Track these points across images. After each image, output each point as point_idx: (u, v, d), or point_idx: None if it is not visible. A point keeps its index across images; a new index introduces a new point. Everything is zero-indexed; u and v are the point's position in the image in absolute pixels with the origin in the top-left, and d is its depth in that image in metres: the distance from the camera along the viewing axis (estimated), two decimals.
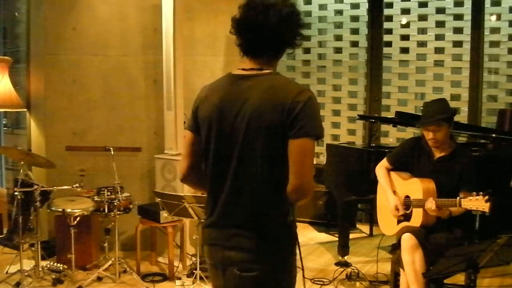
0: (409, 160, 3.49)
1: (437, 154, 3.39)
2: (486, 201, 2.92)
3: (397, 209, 3.40)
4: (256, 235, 1.80)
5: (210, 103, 1.87)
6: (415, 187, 3.33)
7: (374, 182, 3.72)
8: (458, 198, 3.07)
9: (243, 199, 1.81)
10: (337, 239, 4.61)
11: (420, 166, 3.42)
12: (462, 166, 3.30)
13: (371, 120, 4.87)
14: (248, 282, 1.81)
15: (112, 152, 4.16)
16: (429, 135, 3.33)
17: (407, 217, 3.40)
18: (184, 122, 4.73)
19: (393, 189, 3.54)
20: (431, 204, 3.14)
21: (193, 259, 4.38)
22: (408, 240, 3.18)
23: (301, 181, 1.75)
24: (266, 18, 1.78)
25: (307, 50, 6.26)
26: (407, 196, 3.42)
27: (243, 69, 1.87)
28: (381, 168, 3.61)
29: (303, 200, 1.79)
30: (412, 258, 3.15)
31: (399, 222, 3.45)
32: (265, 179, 1.79)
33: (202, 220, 3.69)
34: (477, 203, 2.95)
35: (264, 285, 1.82)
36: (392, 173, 3.58)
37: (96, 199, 4.18)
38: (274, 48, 1.87)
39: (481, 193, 2.95)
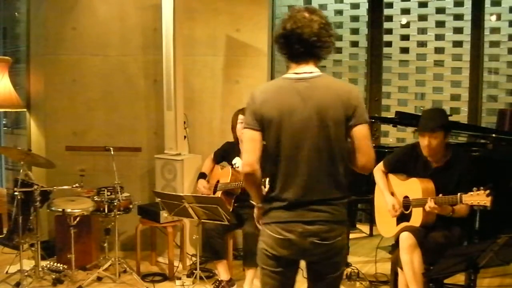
0: (405, 166, 3.50)
1: (434, 164, 3.39)
2: (487, 195, 2.92)
3: (395, 209, 3.39)
4: (329, 210, 2.20)
5: (275, 103, 2.18)
6: (414, 187, 3.33)
7: (374, 182, 3.72)
8: (459, 194, 3.06)
9: (318, 182, 2.19)
10: None
11: (416, 173, 3.42)
12: (460, 173, 3.29)
13: (371, 120, 4.86)
14: (325, 249, 2.22)
15: (112, 152, 4.16)
16: (424, 142, 3.31)
17: (406, 217, 3.39)
18: (184, 122, 4.74)
19: (391, 190, 3.54)
20: (430, 202, 3.14)
21: (193, 259, 4.38)
22: (406, 239, 3.18)
23: (368, 158, 2.24)
24: (312, 30, 2.15)
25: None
26: (406, 197, 3.42)
27: (296, 73, 2.21)
28: (378, 171, 3.61)
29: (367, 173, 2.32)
30: (410, 257, 3.15)
31: (398, 223, 3.45)
32: (333, 163, 2.20)
33: (203, 220, 3.73)
34: (478, 197, 2.96)
35: (336, 250, 2.25)
36: (390, 175, 3.58)
37: (96, 199, 4.18)
38: (318, 54, 2.23)
39: (481, 188, 2.96)
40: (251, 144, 2.22)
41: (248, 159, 2.22)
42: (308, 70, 2.21)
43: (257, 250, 2.35)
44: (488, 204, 2.93)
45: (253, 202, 2.43)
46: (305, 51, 2.19)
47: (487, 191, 2.93)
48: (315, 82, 2.20)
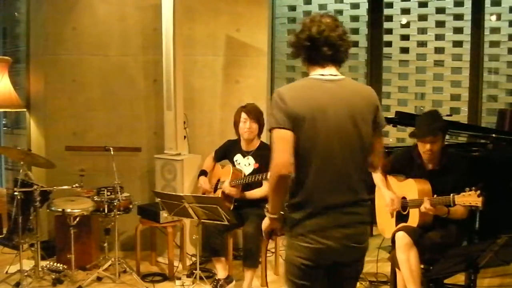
0: (402, 169, 3.51)
1: (430, 167, 3.40)
2: (478, 195, 2.95)
3: (393, 203, 3.40)
4: (361, 212, 2.22)
5: (306, 102, 2.15)
6: (411, 187, 3.34)
7: (374, 182, 3.72)
8: (451, 194, 3.08)
9: (354, 183, 2.20)
10: None
11: (413, 175, 3.42)
12: (455, 177, 3.29)
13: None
14: (358, 251, 2.23)
15: (112, 152, 4.16)
16: (425, 147, 3.31)
17: (404, 218, 3.40)
18: (184, 122, 4.73)
19: (390, 190, 3.54)
20: (426, 203, 3.15)
21: (193, 259, 4.38)
22: (402, 238, 3.19)
23: (381, 158, 2.37)
24: (338, 34, 2.20)
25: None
26: (404, 198, 3.42)
27: (322, 75, 2.22)
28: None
29: None
30: (407, 256, 3.16)
31: (397, 223, 3.45)
32: (362, 164, 2.24)
33: (203, 220, 3.72)
34: (470, 198, 2.99)
35: (365, 252, 2.29)
36: (388, 176, 3.59)
37: (96, 199, 4.18)
38: (342, 58, 2.27)
39: (473, 188, 2.97)
40: (284, 144, 2.12)
41: (283, 159, 2.09)
42: (334, 73, 2.24)
43: (286, 265, 2.24)
44: (479, 204, 2.95)
45: (268, 213, 2.25)
46: (332, 54, 2.21)
47: (478, 192, 2.94)
48: (342, 84, 2.23)
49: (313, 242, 2.14)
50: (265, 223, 2.30)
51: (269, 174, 2.20)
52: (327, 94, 2.18)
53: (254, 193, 4.06)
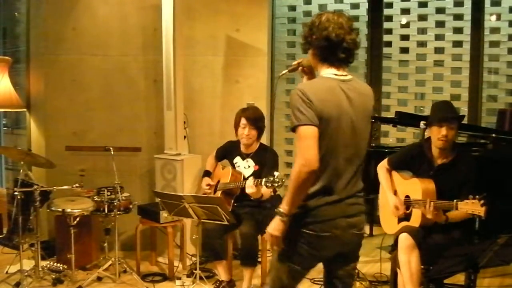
0: (409, 166, 3.50)
1: (439, 161, 3.38)
2: (482, 205, 2.93)
3: (397, 209, 3.40)
4: (361, 202, 2.37)
5: (330, 102, 2.23)
6: (415, 187, 3.33)
7: (374, 182, 3.72)
8: (455, 201, 3.07)
9: (359, 176, 2.37)
10: None
11: (421, 172, 3.42)
12: (464, 175, 3.28)
13: (371, 120, 4.86)
14: (359, 238, 2.40)
15: (112, 152, 4.16)
16: (442, 132, 3.28)
17: (407, 216, 3.40)
18: (184, 122, 4.73)
19: (394, 188, 3.54)
20: (428, 206, 3.15)
21: (193, 259, 4.38)
22: (404, 240, 3.18)
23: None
24: (353, 38, 2.30)
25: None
26: (407, 196, 3.42)
27: (335, 74, 2.31)
28: (382, 168, 3.62)
29: None
30: (408, 258, 3.16)
31: (399, 221, 3.46)
32: (363, 159, 2.38)
33: (203, 220, 3.72)
34: (473, 206, 2.97)
35: (362, 239, 2.43)
36: (394, 173, 3.59)
37: (96, 199, 4.18)
38: (351, 60, 2.36)
39: (477, 196, 2.96)
40: (314, 140, 2.19)
41: (313, 155, 2.16)
42: (345, 73, 2.34)
43: (296, 254, 2.29)
44: (482, 214, 2.94)
45: (282, 216, 2.22)
46: (345, 57, 2.31)
47: (482, 201, 2.94)
48: (352, 84, 2.33)
49: (321, 231, 2.25)
50: (278, 227, 2.25)
51: (291, 171, 2.22)
52: (343, 95, 2.28)
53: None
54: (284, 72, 2.70)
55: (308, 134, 2.19)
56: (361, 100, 2.33)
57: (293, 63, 2.58)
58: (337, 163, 2.27)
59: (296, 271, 2.34)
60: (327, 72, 2.32)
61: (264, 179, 3.54)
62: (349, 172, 2.31)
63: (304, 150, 2.17)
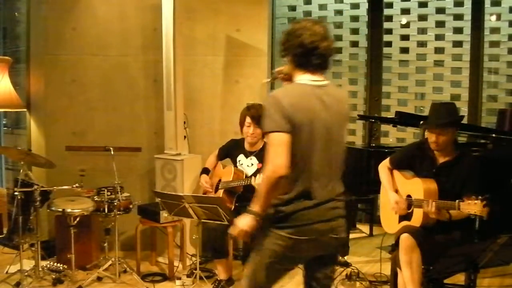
0: (411, 164, 3.49)
1: (440, 159, 3.37)
2: (484, 206, 2.91)
3: (398, 203, 3.39)
4: (340, 206, 2.41)
5: (304, 108, 2.27)
6: (417, 186, 3.33)
7: (374, 182, 3.72)
8: (457, 201, 3.06)
9: (338, 180, 2.43)
10: None
11: (423, 170, 3.41)
12: (466, 173, 3.27)
13: (371, 120, 4.87)
14: (338, 242, 2.42)
15: (112, 152, 4.15)
16: (432, 138, 3.31)
17: (408, 216, 3.40)
18: (184, 122, 4.73)
19: (395, 187, 3.54)
20: (430, 207, 3.14)
21: (193, 259, 4.38)
22: (406, 240, 3.18)
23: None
24: (328, 45, 2.34)
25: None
26: (409, 196, 3.42)
27: (312, 80, 2.35)
28: (383, 167, 3.61)
29: None
30: (409, 258, 3.15)
31: (400, 220, 3.45)
32: (342, 163, 2.44)
33: (203, 220, 3.72)
34: (475, 207, 2.95)
35: (341, 242, 2.47)
36: (395, 172, 3.58)
37: (96, 199, 4.18)
38: (328, 66, 2.40)
39: (479, 197, 2.95)
40: (283, 147, 2.23)
41: (281, 161, 2.21)
42: (321, 79, 2.37)
43: (265, 251, 2.35)
44: (484, 215, 2.93)
45: (253, 214, 2.29)
46: (320, 63, 2.35)
47: (484, 202, 2.93)
48: (327, 90, 2.37)
49: (299, 234, 2.30)
50: (250, 224, 2.31)
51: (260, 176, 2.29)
52: (318, 100, 2.32)
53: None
54: (265, 80, 2.77)
55: (279, 141, 2.23)
56: (336, 105, 2.37)
57: (274, 70, 2.64)
58: (314, 167, 2.31)
59: (273, 271, 2.39)
60: (301, 78, 2.36)
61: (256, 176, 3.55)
62: (327, 176, 2.35)
63: (273, 157, 2.23)
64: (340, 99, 2.43)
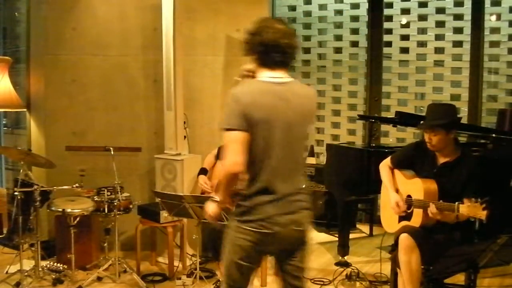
0: (412, 164, 3.48)
1: (441, 160, 3.36)
2: (483, 209, 2.90)
3: (398, 206, 3.39)
4: (303, 199, 2.44)
5: (263, 105, 2.31)
6: (417, 187, 3.32)
7: (374, 182, 3.71)
8: (456, 203, 3.05)
9: (299, 175, 2.46)
10: (337, 239, 4.61)
11: (423, 170, 3.41)
12: (467, 175, 3.25)
13: (371, 120, 4.87)
14: (302, 235, 2.46)
15: (112, 152, 4.16)
16: (426, 138, 3.34)
17: (408, 216, 3.40)
18: (184, 122, 4.73)
19: (396, 187, 3.53)
20: (432, 208, 3.14)
21: (193, 259, 4.38)
22: (405, 240, 3.18)
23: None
24: (290, 41, 2.37)
25: (307, 50, 6.26)
26: (409, 196, 3.42)
27: (273, 77, 2.38)
28: (385, 166, 3.61)
29: None
30: (408, 258, 3.15)
31: (400, 220, 3.45)
32: (304, 159, 2.50)
33: (203, 220, 3.72)
34: (474, 210, 2.93)
35: (307, 235, 2.49)
36: (396, 171, 3.57)
37: (96, 199, 4.18)
38: (290, 63, 2.45)
39: (479, 199, 2.94)
40: (237, 145, 2.29)
41: (235, 159, 2.28)
42: (282, 75, 2.40)
43: (231, 246, 2.45)
44: (483, 218, 2.90)
45: (216, 202, 2.53)
46: (281, 60, 2.38)
47: (483, 205, 2.91)
48: (290, 86, 2.41)
49: (262, 228, 2.35)
50: (215, 210, 2.55)
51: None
52: (278, 97, 2.35)
53: None
54: (236, 78, 2.81)
55: (234, 138, 2.29)
56: (299, 102, 2.39)
57: (242, 68, 2.69)
58: (273, 163, 2.35)
59: (244, 266, 2.44)
60: (263, 75, 2.40)
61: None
62: (287, 171, 2.39)
63: (229, 154, 2.30)
64: (304, 96, 2.44)
